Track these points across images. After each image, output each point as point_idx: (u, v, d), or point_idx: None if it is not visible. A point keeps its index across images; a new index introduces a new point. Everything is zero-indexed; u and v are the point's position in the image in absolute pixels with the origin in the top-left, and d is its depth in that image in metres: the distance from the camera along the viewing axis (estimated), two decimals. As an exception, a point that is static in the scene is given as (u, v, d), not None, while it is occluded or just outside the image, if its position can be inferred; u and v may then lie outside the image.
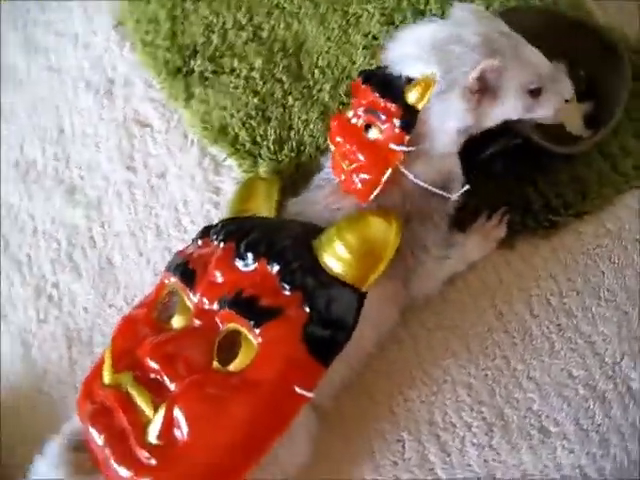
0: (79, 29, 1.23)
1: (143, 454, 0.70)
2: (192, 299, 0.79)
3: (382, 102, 0.81)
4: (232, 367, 0.73)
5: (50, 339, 1.02)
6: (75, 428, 0.79)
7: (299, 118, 1.05)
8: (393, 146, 0.81)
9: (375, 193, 0.82)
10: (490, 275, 0.95)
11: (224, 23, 1.13)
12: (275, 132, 1.04)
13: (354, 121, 0.85)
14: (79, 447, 0.77)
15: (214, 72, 1.10)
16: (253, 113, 1.06)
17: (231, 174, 1.06)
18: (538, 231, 0.95)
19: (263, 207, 0.92)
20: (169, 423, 0.70)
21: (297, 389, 0.71)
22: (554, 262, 0.94)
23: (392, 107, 0.80)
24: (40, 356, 1.02)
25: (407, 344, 0.93)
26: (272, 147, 1.03)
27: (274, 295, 0.74)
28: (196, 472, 0.70)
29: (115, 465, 0.71)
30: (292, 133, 1.04)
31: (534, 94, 0.84)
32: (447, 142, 0.84)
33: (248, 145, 1.04)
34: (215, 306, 0.76)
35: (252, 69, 1.09)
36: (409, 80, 0.81)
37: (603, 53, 0.96)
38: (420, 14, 1.07)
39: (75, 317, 1.03)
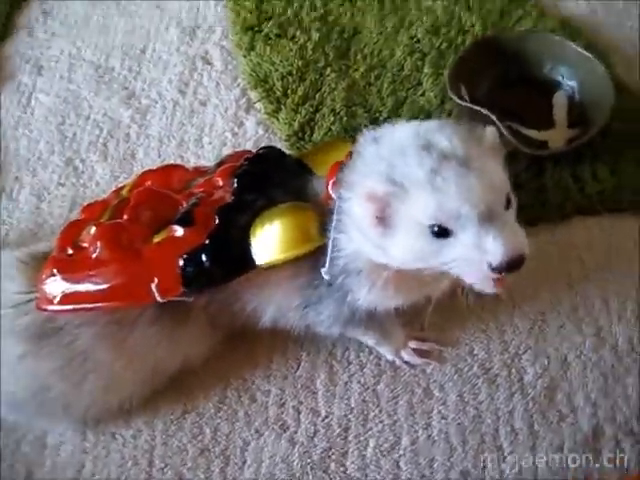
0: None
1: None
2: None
3: None
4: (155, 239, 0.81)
5: (60, 199, 1.17)
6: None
7: (329, 85, 1.18)
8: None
9: None
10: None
11: (302, 3, 1.31)
12: (304, 90, 1.17)
13: None
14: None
15: (277, 35, 1.27)
16: (294, 72, 1.20)
17: (257, 115, 1.20)
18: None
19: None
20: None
21: (152, 286, 0.78)
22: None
23: None
24: (47, 210, 1.16)
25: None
26: (297, 100, 1.16)
27: (207, 213, 0.80)
28: None
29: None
30: (317, 94, 1.17)
31: (440, 236, 0.67)
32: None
33: (278, 93, 1.18)
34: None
35: (308, 40, 1.25)
36: None
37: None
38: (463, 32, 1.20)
39: (87, 188, 1.17)
